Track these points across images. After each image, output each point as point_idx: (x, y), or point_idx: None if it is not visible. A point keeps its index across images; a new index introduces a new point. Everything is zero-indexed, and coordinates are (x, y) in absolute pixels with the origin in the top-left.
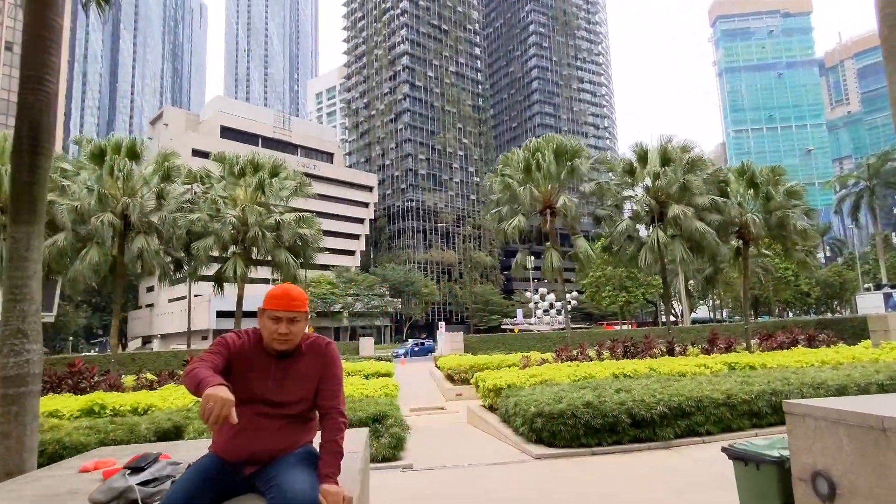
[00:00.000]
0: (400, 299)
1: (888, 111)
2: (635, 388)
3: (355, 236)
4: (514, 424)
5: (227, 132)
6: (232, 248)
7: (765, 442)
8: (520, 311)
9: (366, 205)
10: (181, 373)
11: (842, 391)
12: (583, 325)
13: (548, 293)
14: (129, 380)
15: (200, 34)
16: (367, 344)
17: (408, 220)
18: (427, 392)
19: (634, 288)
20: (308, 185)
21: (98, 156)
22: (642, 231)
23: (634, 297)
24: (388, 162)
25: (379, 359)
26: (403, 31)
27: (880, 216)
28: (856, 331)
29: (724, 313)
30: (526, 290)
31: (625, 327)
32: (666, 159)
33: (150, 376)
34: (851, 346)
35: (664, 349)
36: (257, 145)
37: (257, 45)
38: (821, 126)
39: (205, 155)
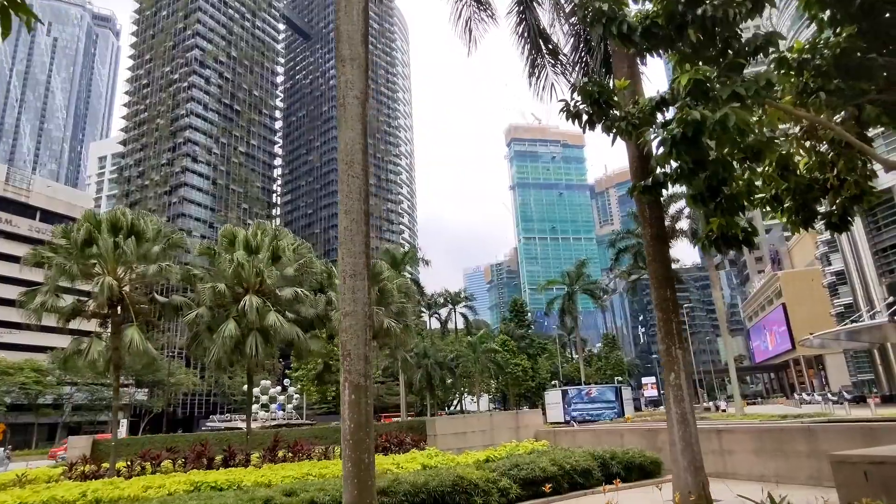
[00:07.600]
0: (146, 390)
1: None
2: None
3: None
4: None
5: None
6: None
7: None
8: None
9: None
10: None
11: None
12: (307, 423)
13: (271, 386)
14: None
15: None
16: None
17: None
18: None
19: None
20: None
21: None
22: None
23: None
24: None
25: None
26: (189, 105)
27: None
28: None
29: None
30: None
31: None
32: (251, 247)
33: None
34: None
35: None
36: None
37: (35, 97)
38: (592, 240)
39: None
